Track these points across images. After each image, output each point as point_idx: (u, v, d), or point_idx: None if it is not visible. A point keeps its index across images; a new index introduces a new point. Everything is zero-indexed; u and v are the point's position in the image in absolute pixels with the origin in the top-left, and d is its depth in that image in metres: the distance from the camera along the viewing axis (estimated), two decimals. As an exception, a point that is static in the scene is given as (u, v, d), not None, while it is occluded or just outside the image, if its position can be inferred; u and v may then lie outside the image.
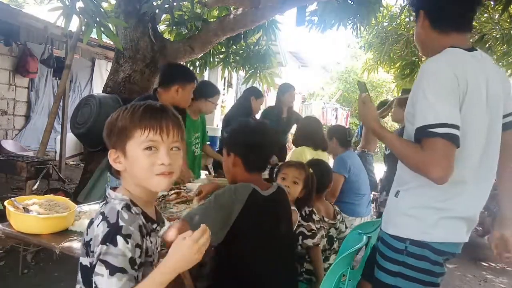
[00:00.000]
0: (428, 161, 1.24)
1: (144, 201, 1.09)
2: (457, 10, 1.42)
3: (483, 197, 1.44)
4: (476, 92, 1.32)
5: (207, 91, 3.18)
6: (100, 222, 0.98)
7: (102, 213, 1.01)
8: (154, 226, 1.11)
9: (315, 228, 2.21)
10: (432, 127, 1.24)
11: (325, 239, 2.30)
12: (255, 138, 1.66)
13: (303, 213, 2.26)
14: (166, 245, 1.34)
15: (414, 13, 1.59)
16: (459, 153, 1.26)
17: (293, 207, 2.13)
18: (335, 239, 2.42)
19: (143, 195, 1.08)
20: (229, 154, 1.68)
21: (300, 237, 2.19)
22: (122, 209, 1.01)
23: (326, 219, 2.37)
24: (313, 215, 2.27)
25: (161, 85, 2.67)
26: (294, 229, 2.12)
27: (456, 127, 1.23)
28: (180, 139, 1.09)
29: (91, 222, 1.03)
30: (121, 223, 0.97)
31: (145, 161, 1.02)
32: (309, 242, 2.16)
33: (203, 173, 3.57)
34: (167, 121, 1.04)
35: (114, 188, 1.10)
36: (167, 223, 1.88)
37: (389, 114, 4.90)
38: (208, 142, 3.74)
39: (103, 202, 1.09)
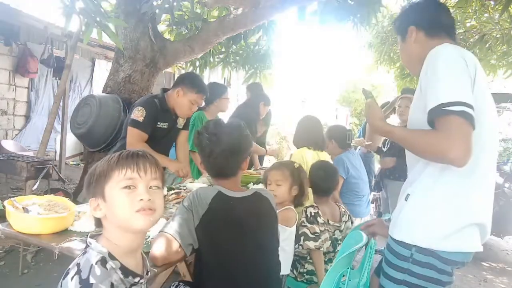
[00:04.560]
0: (445, 141, 1.16)
1: (125, 252, 1.06)
2: (446, 19, 1.49)
3: (492, 198, 1.38)
4: (482, 80, 1.29)
5: (218, 91, 3.46)
6: (74, 275, 0.96)
7: (78, 265, 0.99)
8: (136, 279, 1.07)
9: (318, 231, 2.21)
10: (446, 106, 1.17)
11: (329, 242, 2.29)
12: (213, 146, 1.55)
13: (308, 215, 2.26)
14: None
15: (399, 36, 1.59)
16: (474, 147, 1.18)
17: (290, 206, 2.16)
18: (339, 242, 2.41)
19: (124, 241, 1.05)
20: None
21: (302, 238, 2.20)
22: (96, 263, 0.98)
23: (331, 222, 2.35)
24: (318, 218, 2.26)
25: (172, 86, 2.73)
26: (292, 227, 2.11)
27: (471, 106, 1.16)
28: (160, 178, 1.09)
29: (66, 273, 1.00)
30: (91, 280, 0.95)
31: (124, 200, 1.01)
32: (311, 244, 2.16)
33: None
34: (144, 160, 1.06)
35: (95, 236, 1.08)
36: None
37: (392, 114, 4.91)
38: None
39: (83, 251, 1.06)
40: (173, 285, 1.67)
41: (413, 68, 1.56)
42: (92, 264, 0.98)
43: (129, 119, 2.56)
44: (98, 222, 1.09)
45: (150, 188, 1.06)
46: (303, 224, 2.25)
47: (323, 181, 2.43)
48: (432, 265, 1.29)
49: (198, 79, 2.74)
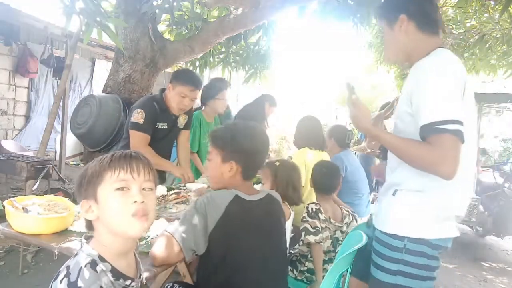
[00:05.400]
0: (439, 158, 1.24)
1: (117, 254, 1.04)
2: (436, 16, 1.49)
3: (469, 193, 1.51)
4: (469, 90, 1.37)
5: (212, 91, 3.31)
6: (63, 278, 0.96)
7: (68, 267, 0.98)
8: (128, 282, 1.05)
9: (319, 226, 2.23)
10: (441, 124, 1.24)
11: (330, 241, 2.30)
12: (257, 144, 1.57)
13: (310, 210, 2.29)
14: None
15: (385, 20, 1.53)
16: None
17: (283, 201, 2.17)
18: (340, 242, 2.41)
19: (116, 244, 1.04)
20: (225, 161, 1.55)
21: (303, 233, 2.22)
22: (85, 266, 0.97)
23: (332, 221, 2.36)
24: (320, 214, 2.28)
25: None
26: (286, 222, 2.12)
27: (461, 123, 1.25)
28: (153, 180, 1.08)
29: (57, 275, 0.99)
30: (79, 283, 0.94)
31: (117, 202, 1.00)
32: (311, 238, 2.19)
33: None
34: (137, 161, 1.05)
35: (89, 237, 1.07)
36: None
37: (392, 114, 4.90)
38: None
39: (75, 253, 1.05)
40: (167, 286, 1.67)
41: (396, 58, 1.57)
42: (81, 267, 0.97)
43: (130, 122, 2.56)
44: (89, 225, 1.07)
45: (143, 189, 1.05)
46: (304, 219, 2.28)
47: (326, 180, 2.45)
48: (424, 252, 1.39)
49: (187, 72, 2.74)
